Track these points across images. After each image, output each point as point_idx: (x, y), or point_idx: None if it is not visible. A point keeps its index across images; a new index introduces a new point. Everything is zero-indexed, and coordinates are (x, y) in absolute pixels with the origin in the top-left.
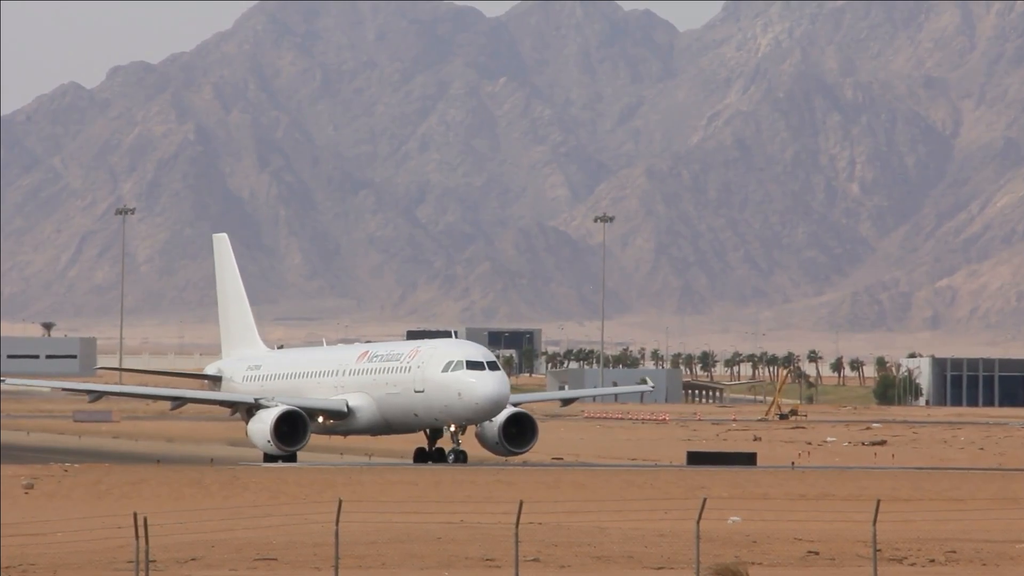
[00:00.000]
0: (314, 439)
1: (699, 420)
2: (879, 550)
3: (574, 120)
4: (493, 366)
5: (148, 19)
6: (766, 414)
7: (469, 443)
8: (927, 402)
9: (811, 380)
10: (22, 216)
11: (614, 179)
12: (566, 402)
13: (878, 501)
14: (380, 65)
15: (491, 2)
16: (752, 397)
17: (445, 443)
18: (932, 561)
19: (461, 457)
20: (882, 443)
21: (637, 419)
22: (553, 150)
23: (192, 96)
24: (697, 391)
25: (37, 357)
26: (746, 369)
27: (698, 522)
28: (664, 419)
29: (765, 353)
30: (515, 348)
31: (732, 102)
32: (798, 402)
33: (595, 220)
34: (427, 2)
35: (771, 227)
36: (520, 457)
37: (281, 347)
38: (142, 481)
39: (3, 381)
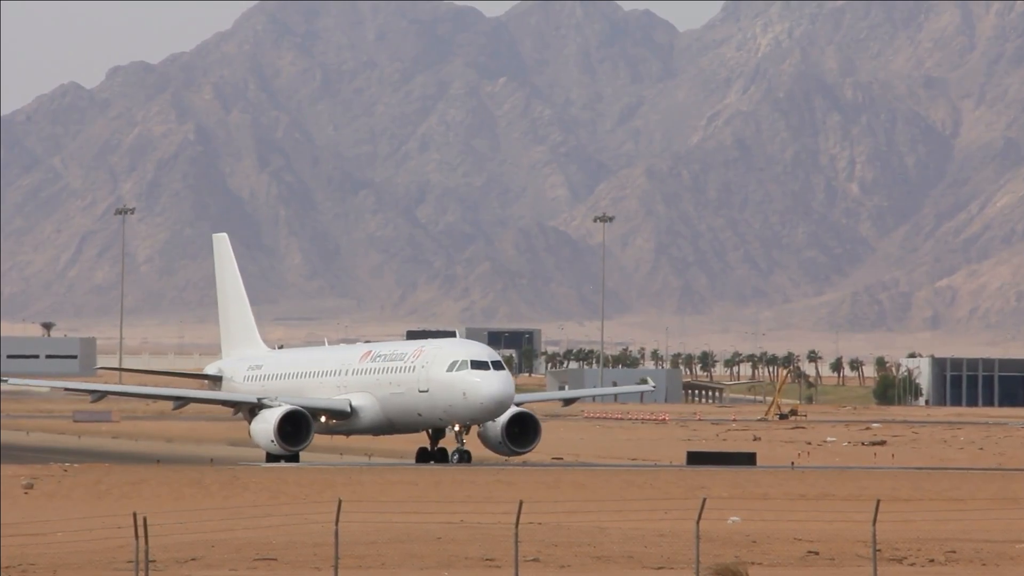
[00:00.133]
0: (315, 439)
1: (699, 420)
2: (879, 550)
3: (574, 120)
4: (498, 366)
5: (148, 19)
6: (766, 414)
7: (471, 443)
8: (927, 402)
9: (811, 380)
10: (22, 216)
11: (614, 179)
12: (568, 402)
13: (878, 501)
14: (380, 65)
15: (491, 2)
16: (752, 397)
17: (447, 443)
18: (932, 561)
19: (465, 457)
20: (882, 443)
21: (637, 419)
22: (553, 150)
23: (192, 96)
24: (697, 391)
25: (37, 357)
26: (746, 369)
27: (698, 522)
28: (664, 419)
29: (765, 353)
30: (515, 348)
31: (732, 102)
32: (798, 402)
33: (595, 220)
34: (427, 2)
35: (771, 227)
36: (521, 457)
37: (281, 347)
38: (142, 481)
39: (5, 381)
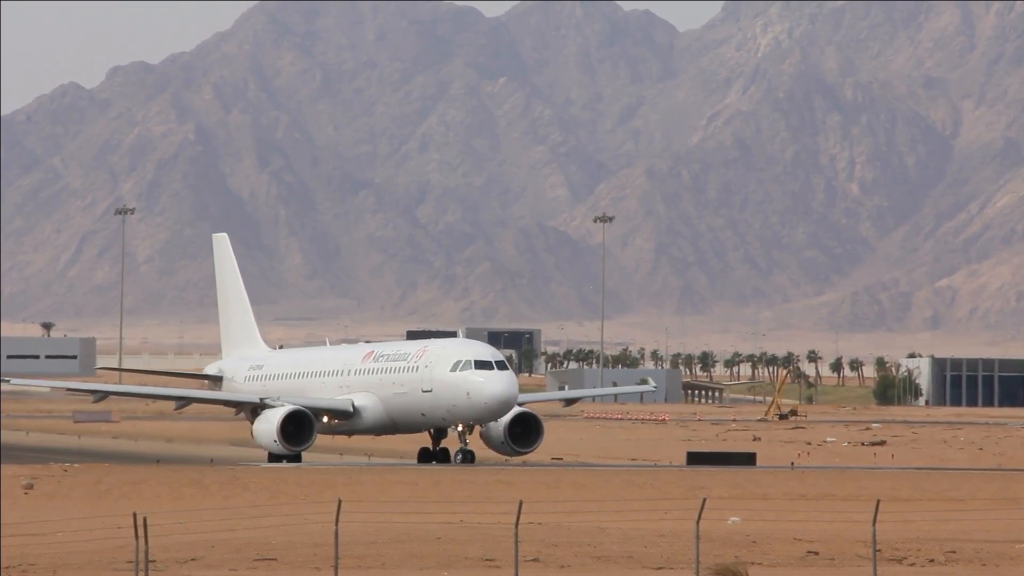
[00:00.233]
0: (316, 439)
1: (699, 420)
2: (879, 550)
3: (574, 120)
4: (502, 366)
5: (148, 19)
6: (766, 414)
7: (473, 443)
8: (927, 402)
9: (811, 380)
10: (22, 216)
11: (614, 179)
12: (569, 402)
13: (878, 501)
14: (380, 65)
15: (491, 2)
16: (752, 397)
17: (449, 443)
18: (932, 561)
19: (469, 457)
20: (882, 443)
21: (637, 419)
22: (553, 150)
23: (192, 96)
24: (697, 391)
25: (37, 357)
26: (746, 369)
27: (698, 522)
28: (664, 419)
29: (765, 353)
30: (515, 348)
31: (732, 102)
32: (798, 402)
33: (595, 220)
34: (427, 2)
35: (771, 227)
36: (522, 457)
37: (281, 347)
38: (142, 481)
39: (8, 381)
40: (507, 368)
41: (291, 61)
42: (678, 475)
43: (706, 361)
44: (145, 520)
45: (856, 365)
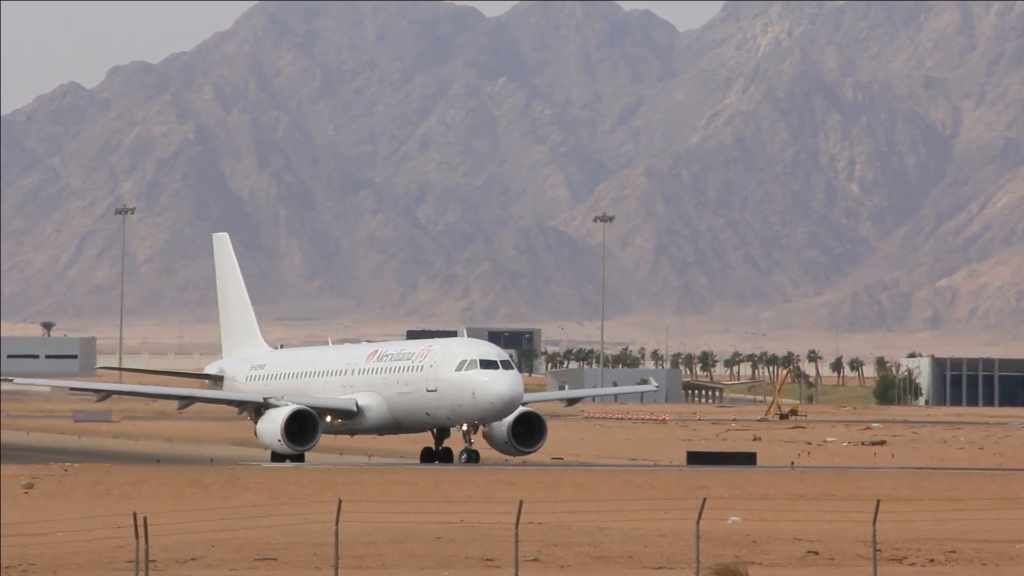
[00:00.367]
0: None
1: (699, 420)
2: (879, 550)
3: (574, 120)
4: (507, 365)
5: (148, 19)
6: (766, 414)
7: (477, 442)
8: (927, 402)
9: (811, 380)
10: (22, 216)
11: (614, 179)
12: (571, 402)
13: (878, 501)
14: (380, 65)
15: (491, 2)
16: (752, 397)
17: (451, 443)
18: (932, 561)
19: (473, 457)
20: (882, 443)
21: (637, 419)
22: (553, 150)
23: (192, 96)
24: (697, 391)
25: (37, 357)
26: (746, 369)
27: (698, 522)
28: (664, 419)
29: (765, 353)
30: (515, 348)
31: (732, 102)
32: (798, 402)
33: (595, 220)
34: (427, 2)
35: (771, 227)
36: (525, 457)
37: (280, 347)
38: (142, 481)
39: (11, 380)
40: (512, 368)
41: (291, 61)
42: (678, 475)
43: (706, 361)
44: (145, 520)
45: (856, 365)
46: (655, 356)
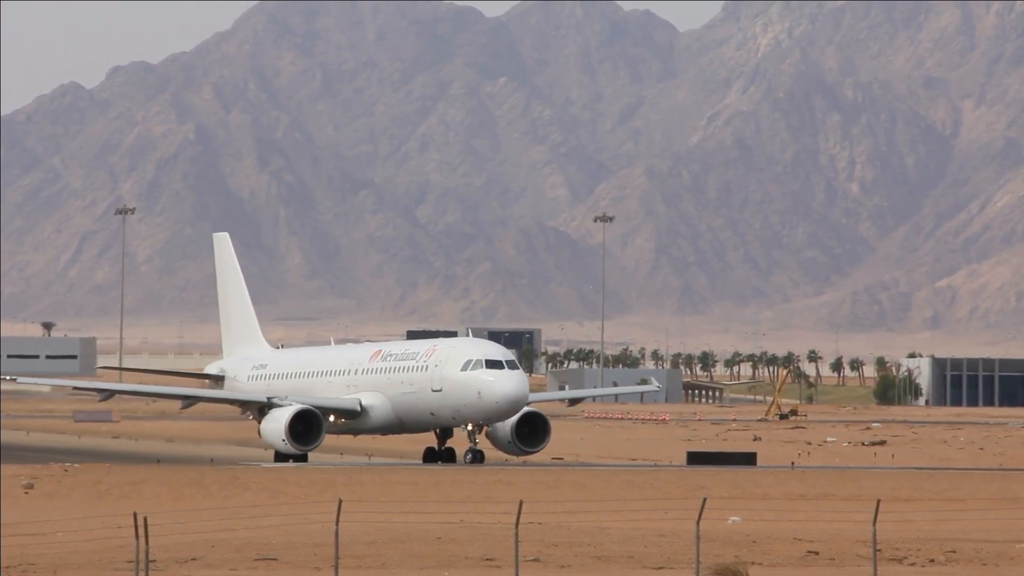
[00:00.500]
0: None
1: (699, 420)
2: (879, 550)
3: (574, 120)
4: (512, 365)
5: (148, 19)
6: (766, 414)
7: (480, 442)
8: (927, 402)
9: (811, 380)
10: (22, 216)
11: (614, 179)
12: (573, 402)
13: (878, 501)
14: (380, 65)
15: (491, 2)
16: (752, 397)
17: (454, 443)
18: (932, 561)
19: (478, 457)
20: (882, 443)
21: (637, 419)
22: (553, 150)
23: (192, 96)
24: (697, 391)
25: (37, 357)
26: (746, 369)
27: (698, 522)
28: (664, 419)
29: (765, 353)
30: (515, 348)
31: (732, 102)
32: (798, 402)
33: (595, 220)
34: (427, 2)
35: (771, 227)
36: (529, 457)
37: (280, 347)
38: (142, 481)
39: (15, 379)
40: (518, 367)
41: (291, 61)
42: (678, 475)
43: (706, 361)
44: (145, 520)
45: (856, 365)
46: (655, 356)
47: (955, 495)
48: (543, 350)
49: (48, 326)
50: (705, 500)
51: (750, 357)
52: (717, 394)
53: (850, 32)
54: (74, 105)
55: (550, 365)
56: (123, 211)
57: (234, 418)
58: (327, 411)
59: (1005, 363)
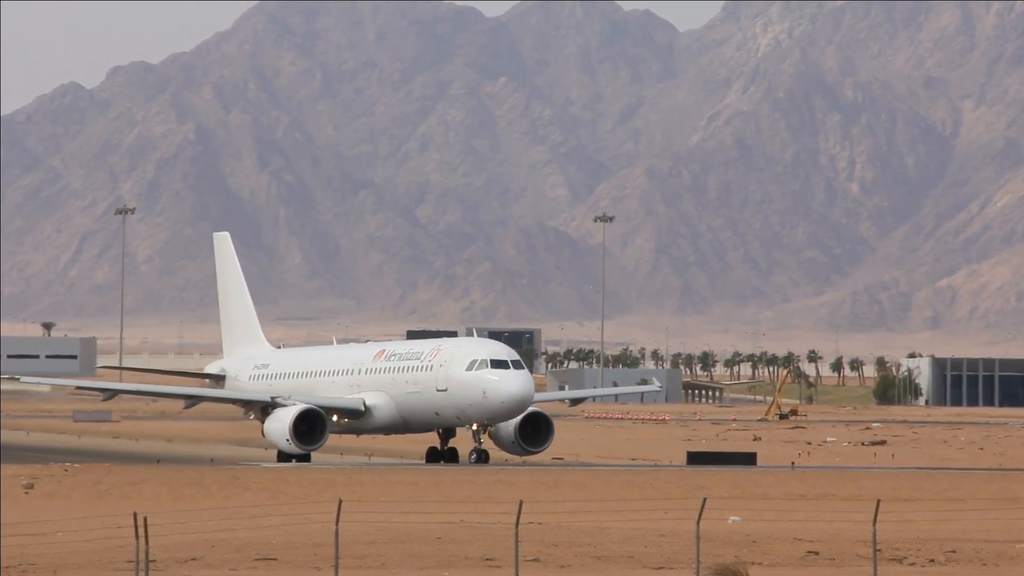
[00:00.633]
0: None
1: (699, 420)
2: (879, 550)
3: (574, 120)
4: (518, 365)
5: (148, 19)
6: (766, 414)
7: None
8: (927, 402)
9: (811, 380)
10: (22, 216)
11: (614, 179)
12: (575, 402)
13: (878, 501)
14: (380, 65)
15: (491, 2)
16: (752, 397)
17: (456, 442)
18: (932, 561)
19: (483, 457)
20: (882, 443)
21: (637, 419)
22: (553, 150)
23: (192, 96)
24: (697, 391)
25: (37, 357)
26: (746, 369)
27: (698, 522)
28: (664, 419)
29: (765, 353)
30: (515, 348)
31: (732, 102)
32: (798, 402)
33: (595, 220)
34: (427, 2)
35: (771, 227)
36: (531, 456)
37: (280, 347)
38: (142, 481)
39: (19, 379)
40: (523, 367)
41: (291, 61)
42: (678, 475)
43: (706, 361)
44: (145, 520)
45: (856, 365)
46: (655, 356)
47: (955, 495)
48: (543, 350)
49: (48, 326)
50: (705, 500)
51: (750, 357)
52: (717, 394)
53: (850, 32)
54: (74, 105)
55: (550, 365)
56: (123, 211)
57: (234, 418)
58: (331, 411)
59: (1005, 363)
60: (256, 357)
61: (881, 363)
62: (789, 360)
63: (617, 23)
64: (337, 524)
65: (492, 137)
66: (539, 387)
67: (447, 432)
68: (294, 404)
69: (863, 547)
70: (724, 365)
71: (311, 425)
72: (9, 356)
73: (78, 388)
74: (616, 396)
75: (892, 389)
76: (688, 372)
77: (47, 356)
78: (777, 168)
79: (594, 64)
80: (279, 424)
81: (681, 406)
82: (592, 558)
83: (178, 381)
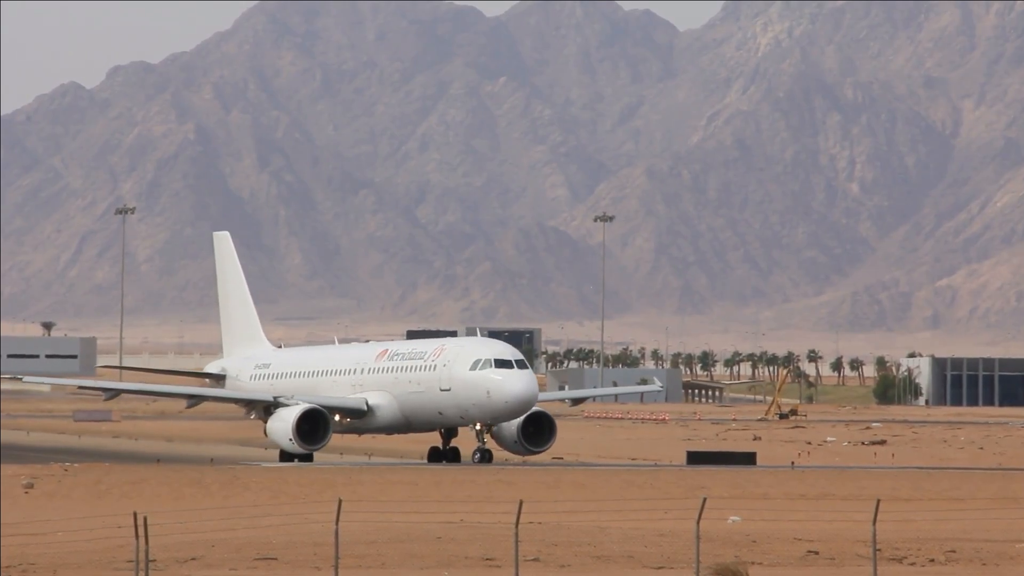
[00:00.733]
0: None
1: (699, 420)
2: (879, 550)
3: (574, 120)
4: (522, 364)
5: (148, 19)
6: (766, 414)
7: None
8: (927, 402)
9: (811, 380)
10: (22, 216)
11: (614, 179)
12: (576, 401)
13: (878, 501)
14: (380, 65)
15: (491, 2)
16: (752, 397)
17: (458, 442)
18: (932, 561)
19: (487, 456)
20: (882, 443)
21: (637, 419)
22: (553, 150)
23: (192, 96)
24: (697, 391)
25: (37, 357)
26: (746, 369)
27: (698, 522)
28: (664, 419)
29: (765, 353)
30: (515, 348)
31: (732, 102)
32: (798, 402)
33: (595, 220)
34: (427, 2)
35: (771, 227)
36: (534, 456)
37: (280, 347)
38: (142, 481)
39: (21, 379)
40: (527, 367)
41: (291, 61)
42: (678, 475)
43: (706, 361)
44: (145, 520)
45: (856, 365)
46: (655, 356)
47: (955, 495)
48: (543, 350)
49: (48, 326)
50: (705, 500)
51: (750, 357)
52: (717, 394)
53: (850, 32)
54: (74, 105)
55: (550, 365)
56: (123, 211)
57: (234, 417)
58: (334, 410)
59: (1005, 363)
60: (257, 357)
61: (881, 363)
62: (789, 360)
63: (617, 23)
64: (337, 524)
65: (492, 137)
66: (540, 387)
67: (449, 432)
68: (297, 404)
69: (863, 547)
70: (724, 365)
71: (314, 425)
72: (9, 356)
73: (81, 388)
74: (616, 396)
75: (892, 389)
76: (688, 372)
77: (47, 356)
78: (777, 168)
79: (594, 64)
80: (282, 424)
81: (681, 406)
82: (592, 558)
83: (178, 381)
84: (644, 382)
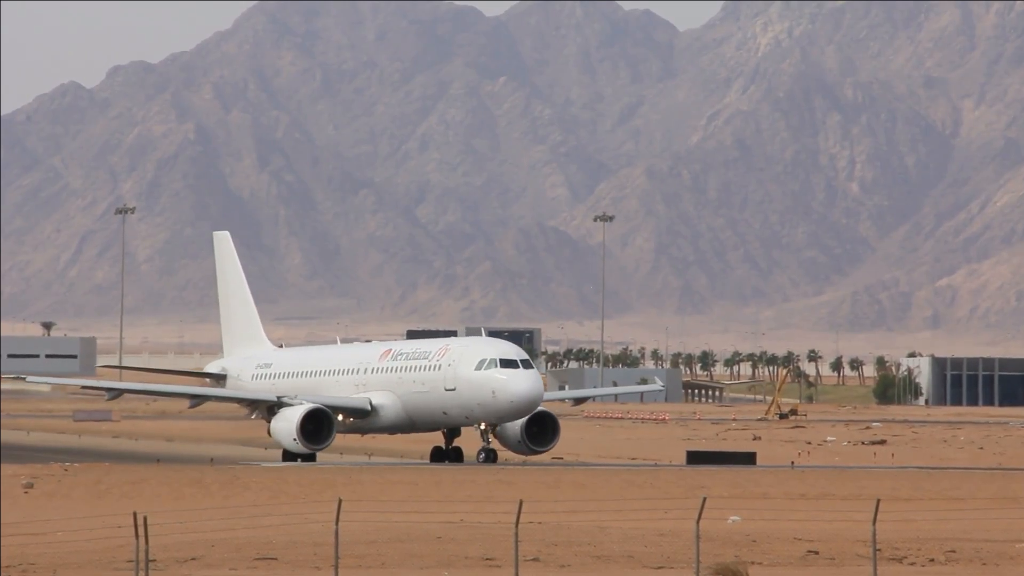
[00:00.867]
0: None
1: (699, 420)
2: (879, 550)
3: (574, 120)
4: (527, 364)
5: (148, 19)
6: (766, 414)
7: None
8: (927, 402)
9: (811, 380)
10: (22, 216)
11: (614, 179)
12: (578, 401)
13: (878, 501)
14: (380, 65)
15: (491, 2)
16: (752, 397)
17: (461, 442)
18: (932, 561)
19: (491, 456)
20: (882, 443)
21: (637, 419)
22: (553, 150)
23: (192, 96)
24: (697, 391)
25: (37, 357)
26: (746, 369)
27: (698, 522)
28: (664, 419)
29: (765, 353)
30: None
31: (732, 102)
32: (798, 402)
33: (595, 220)
34: (427, 2)
35: (771, 227)
36: (537, 456)
37: (281, 347)
38: (142, 481)
39: (24, 378)
40: (532, 367)
41: (291, 61)
42: (678, 474)
43: (706, 361)
44: (145, 520)
45: (856, 365)
46: (655, 356)
47: (955, 495)
48: (543, 350)
49: (48, 326)
50: (705, 500)
51: (750, 357)
52: (717, 394)
53: (850, 32)
54: (74, 105)
55: (550, 365)
56: (123, 211)
57: (234, 417)
58: (337, 410)
59: (1005, 363)
60: (258, 357)
61: (881, 363)
62: (789, 360)
63: (617, 23)
64: (337, 524)
65: (492, 137)
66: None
67: (452, 432)
68: (301, 404)
69: (863, 547)
70: (724, 365)
71: (318, 425)
72: (9, 356)
73: (84, 387)
74: (617, 396)
75: (892, 389)
76: (688, 372)
77: (47, 356)
78: (777, 168)
79: (594, 64)
80: (286, 424)
81: (681, 406)
82: (592, 558)
83: (178, 381)
84: (644, 382)
